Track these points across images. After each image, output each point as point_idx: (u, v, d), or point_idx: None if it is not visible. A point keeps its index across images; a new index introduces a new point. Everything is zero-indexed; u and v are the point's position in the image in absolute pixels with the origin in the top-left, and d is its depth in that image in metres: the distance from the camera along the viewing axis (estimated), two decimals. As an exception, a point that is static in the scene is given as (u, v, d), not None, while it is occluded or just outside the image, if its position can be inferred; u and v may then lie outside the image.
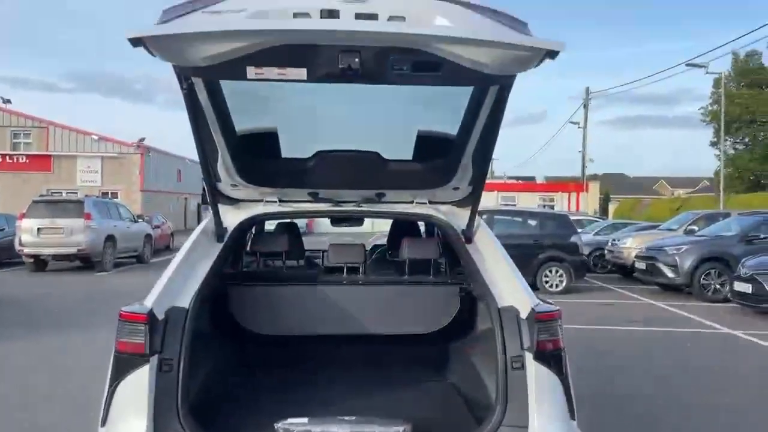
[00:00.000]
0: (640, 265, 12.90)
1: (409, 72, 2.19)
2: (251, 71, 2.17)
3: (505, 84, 2.40)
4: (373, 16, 2.11)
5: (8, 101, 34.42)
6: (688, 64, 25.09)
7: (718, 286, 11.57)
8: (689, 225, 14.83)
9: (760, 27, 38.92)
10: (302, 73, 2.19)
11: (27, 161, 33.40)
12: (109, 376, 2.47)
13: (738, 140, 37.61)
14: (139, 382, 2.40)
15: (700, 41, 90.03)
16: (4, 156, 33.27)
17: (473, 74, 2.18)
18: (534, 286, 2.81)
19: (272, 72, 2.19)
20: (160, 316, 2.54)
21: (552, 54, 2.08)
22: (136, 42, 1.95)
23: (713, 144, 37.18)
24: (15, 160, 33.41)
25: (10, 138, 33.85)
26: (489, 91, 2.55)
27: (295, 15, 2.09)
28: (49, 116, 36.11)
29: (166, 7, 2.09)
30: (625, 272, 15.00)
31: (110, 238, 15.91)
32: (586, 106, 37.56)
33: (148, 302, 2.56)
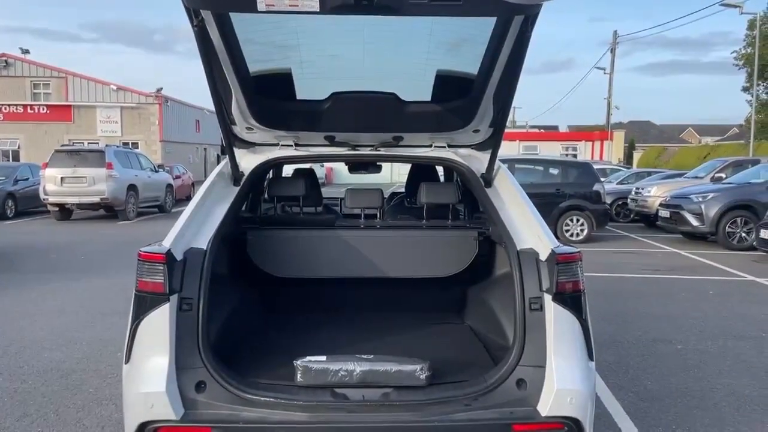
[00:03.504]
0: (664, 213, 12.70)
1: (427, 1, 2.08)
2: (261, 3, 2.08)
3: (530, 14, 2.28)
4: None
5: (27, 51, 34.45)
6: (722, 4, 24.00)
7: (743, 235, 11.39)
8: (717, 172, 14.49)
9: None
10: (314, 4, 2.10)
11: (47, 111, 33.64)
12: (131, 315, 2.50)
13: (772, 85, 36.24)
14: (160, 320, 2.43)
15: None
16: (24, 107, 33.54)
17: (496, 3, 2.07)
18: (555, 236, 2.76)
19: (283, 3, 2.10)
20: (179, 257, 2.55)
21: None
22: None
23: (745, 89, 35.85)
24: (36, 110, 33.68)
25: (30, 88, 34.02)
26: (512, 24, 2.42)
27: None
28: (69, 66, 36.17)
29: None
30: (649, 221, 14.83)
31: (132, 188, 16.11)
32: (613, 51, 36.40)
33: (166, 243, 2.57)
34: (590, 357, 2.56)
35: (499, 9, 2.20)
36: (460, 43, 2.89)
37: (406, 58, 3.07)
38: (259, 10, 2.11)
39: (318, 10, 2.12)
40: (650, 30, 53.32)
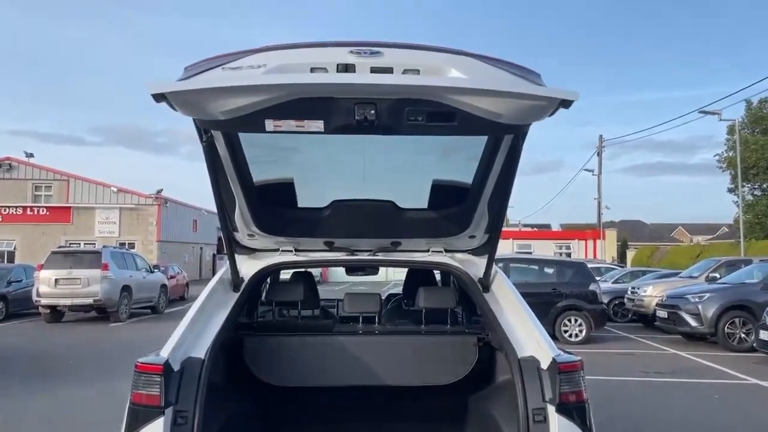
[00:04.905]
0: (662, 313, 12.62)
1: (424, 123, 2.22)
2: (270, 124, 2.22)
3: (519, 133, 2.42)
4: (387, 70, 2.16)
5: (31, 155, 35.41)
6: (701, 111, 25.19)
7: (743, 335, 11.26)
8: (711, 272, 14.57)
9: (771, 74, 38.94)
10: (319, 125, 2.23)
11: (47, 213, 34.03)
12: (124, 429, 2.43)
13: (756, 186, 37.29)
14: None
15: (714, 88, 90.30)
16: (24, 208, 33.95)
17: (488, 124, 2.21)
18: (552, 336, 2.73)
19: (290, 124, 2.23)
20: (176, 367, 2.52)
21: (566, 103, 2.10)
22: (158, 97, 2.01)
23: (731, 190, 36.87)
24: (35, 212, 34.07)
25: (32, 190, 34.63)
26: (504, 141, 2.57)
27: (313, 69, 2.15)
28: (72, 169, 37.06)
29: (187, 64, 2.16)
30: (647, 321, 14.68)
31: (126, 289, 15.97)
32: (599, 154, 37.68)
33: (164, 353, 2.55)
34: (597, 470, 2.48)
35: (490, 129, 2.35)
36: (456, 154, 3.04)
37: (403, 167, 3.21)
38: (267, 130, 2.24)
39: (323, 130, 2.25)
40: (635, 135, 55.57)
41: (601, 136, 37.57)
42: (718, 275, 14.11)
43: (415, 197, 3.28)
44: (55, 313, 15.57)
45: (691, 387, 8.15)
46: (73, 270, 15.13)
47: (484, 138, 2.66)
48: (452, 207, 3.25)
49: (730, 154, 34.78)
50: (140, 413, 2.40)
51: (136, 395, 2.43)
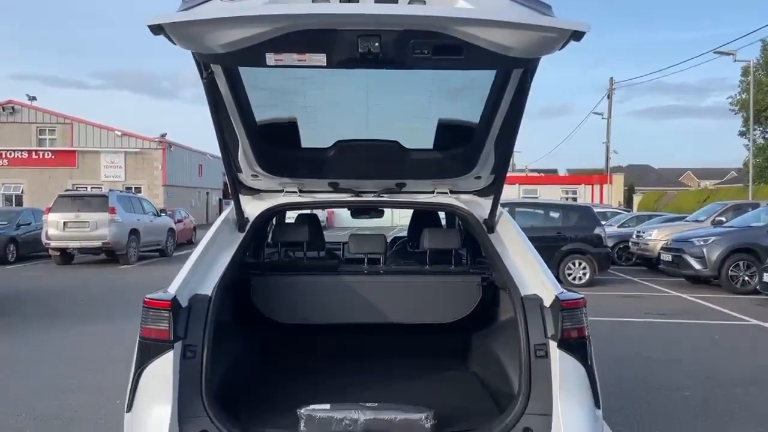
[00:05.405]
0: (666, 257, 12.68)
1: (430, 56, 2.15)
2: (270, 57, 2.16)
3: (528, 68, 2.35)
4: (392, 0, 2.08)
5: (33, 98, 35.12)
6: (716, 52, 24.54)
7: (746, 278, 11.34)
8: (717, 216, 14.54)
9: (790, 13, 37.67)
10: (321, 58, 2.17)
11: (52, 157, 34.04)
12: (134, 363, 2.49)
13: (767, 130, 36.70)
14: (164, 368, 2.42)
15: (730, 29, 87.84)
16: (29, 152, 33.95)
17: (496, 57, 2.14)
18: (557, 280, 2.76)
19: (291, 58, 2.17)
20: (184, 304, 2.56)
21: (577, 35, 2.03)
22: (156, 29, 1.95)
23: (742, 134, 36.30)
24: (40, 156, 34.09)
25: (36, 134, 34.53)
26: (512, 76, 2.50)
27: (315, 0, 2.07)
28: (75, 113, 36.82)
29: None
30: (651, 265, 14.79)
31: (134, 232, 16.15)
32: (609, 97, 37.06)
33: (172, 289, 2.58)
34: (597, 405, 2.53)
35: (499, 63, 2.28)
36: (462, 92, 2.97)
37: (408, 106, 3.14)
38: (268, 64, 2.18)
39: (325, 64, 2.19)
40: (647, 76, 54.30)
41: (611, 78, 36.89)
42: (724, 219, 14.08)
43: (420, 137, 3.23)
44: (65, 256, 15.84)
45: (691, 328, 8.27)
46: (81, 213, 15.28)
47: (492, 74, 2.58)
48: (458, 147, 3.20)
49: (743, 96, 34.05)
50: (150, 347, 2.46)
51: (146, 330, 2.48)
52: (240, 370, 3.20)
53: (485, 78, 2.65)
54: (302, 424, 2.48)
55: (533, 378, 2.51)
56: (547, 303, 2.62)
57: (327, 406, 2.52)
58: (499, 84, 2.62)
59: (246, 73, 2.58)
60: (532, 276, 2.83)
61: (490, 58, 2.15)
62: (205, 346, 2.49)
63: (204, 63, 2.31)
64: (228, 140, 2.90)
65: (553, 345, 2.52)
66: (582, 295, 2.67)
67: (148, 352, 2.45)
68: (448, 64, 2.28)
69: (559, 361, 2.49)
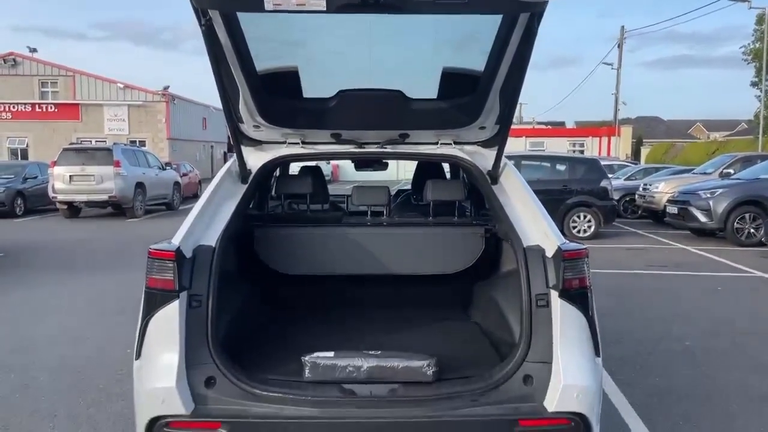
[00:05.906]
0: (672, 209, 12.64)
1: (433, 0, 2.09)
2: (269, 2, 2.09)
3: (536, 12, 2.28)
4: None
5: (34, 50, 34.66)
6: (730, -1, 23.78)
7: (752, 230, 11.33)
8: (725, 168, 14.39)
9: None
10: (321, 3, 2.11)
11: (56, 110, 33.83)
12: (141, 312, 2.53)
13: (780, 80, 35.94)
14: (170, 316, 2.46)
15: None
16: (33, 105, 33.74)
17: (502, 1, 2.07)
18: (561, 232, 2.76)
19: (290, 2, 2.11)
20: (188, 254, 2.57)
21: None
22: None
23: (754, 84, 35.57)
24: (44, 109, 33.88)
25: (38, 87, 34.22)
26: (518, 21, 2.42)
27: None
28: (76, 65, 36.39)
29: None
30: (657, 217, 14.77)
31: (140, 186, 16.20)
32: (620, 46, 36.23)
33: (176, 240, 2.59)
34: (597, 353, 2.57)
35: (505, 6, 2.21)
36: (466, 40, 2.89)
37: (411, 55, 3.07)
38: (266, 9, 2.12)
39: (324, 9, 2.13)
40: (659, 25, 52.89)
41: (623, 26, 35.98)
42: (732, 171, 13.95)
43: (424, 86, 3.16)
44: (72, 209, 15.95)
45: (695, 279, 8.32)
46: (86, 167, 15.29)
47: (497, 20, 2.51)
48: (462, 96, 3.14)
49: (757, 45, 33.22)
50: (157, 297, 2.49)
51: (151, 280, 2.51)
52: (245, 319, 3.25)
53: (490, 24, 2.57)
54: (307, 371, 2.53)
55: (534, 327, 2.54)
56: (550, 253, 2.62)
57: (331, 354, 2.57)
58: (505, 30, 2.55)
59: (245, 21, 2.52)
60: (534, 227, 2.83)
61: (496, 2, 2.08)
62: (210, 296, 2.52)
63: (201, 9, 2.25)
64: (229, 90, 2.86)
65: (554, 295, 2.53)
66: (584, 246, 2.67)
67: (155, 301, 2.49)
68: (452, 8, 2.20)
69: (560, 311, 2.51)
